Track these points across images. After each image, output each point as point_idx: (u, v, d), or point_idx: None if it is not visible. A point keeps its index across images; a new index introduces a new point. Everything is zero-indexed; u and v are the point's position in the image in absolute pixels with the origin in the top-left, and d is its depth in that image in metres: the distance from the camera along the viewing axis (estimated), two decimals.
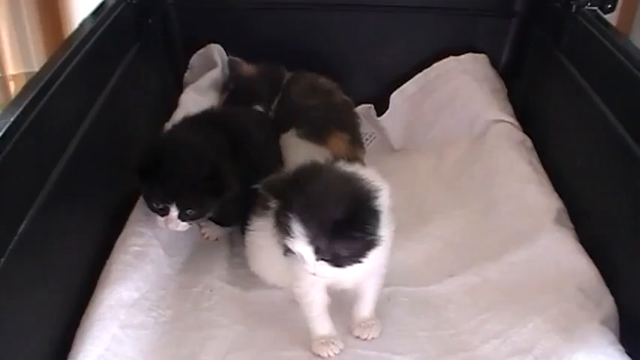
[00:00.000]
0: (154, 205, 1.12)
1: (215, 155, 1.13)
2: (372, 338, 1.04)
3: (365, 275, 1.01)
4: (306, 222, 0.89)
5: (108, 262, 1.10)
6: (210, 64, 1.59)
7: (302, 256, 0.92)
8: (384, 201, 0.94)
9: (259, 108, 1.44)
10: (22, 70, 1.77)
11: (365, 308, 1.05)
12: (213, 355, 1.01)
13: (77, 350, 0.96)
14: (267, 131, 1.34)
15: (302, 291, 1.01)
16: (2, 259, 0.82)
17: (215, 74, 1.57)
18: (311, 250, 0.90)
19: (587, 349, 0.92)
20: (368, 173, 0.97)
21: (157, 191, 1.11)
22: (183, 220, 1.12)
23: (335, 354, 1.01)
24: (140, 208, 1.22)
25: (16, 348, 0.85)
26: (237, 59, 1.51)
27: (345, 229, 0.89)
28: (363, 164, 1.28)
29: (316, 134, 1.32)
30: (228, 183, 1.11)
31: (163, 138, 1.21)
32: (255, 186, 0.96)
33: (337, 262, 0.92)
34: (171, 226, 1.12)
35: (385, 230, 0.94)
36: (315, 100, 1.38)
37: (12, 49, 1.77)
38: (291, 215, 0.89)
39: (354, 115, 1.46)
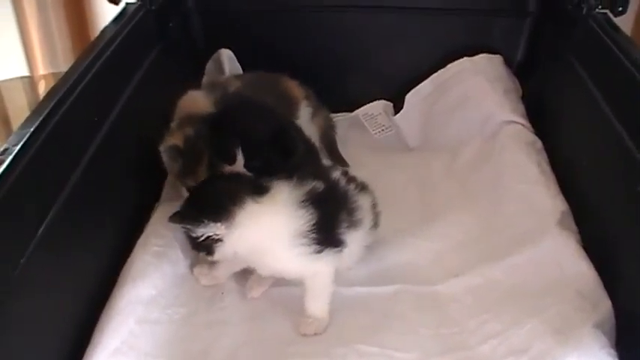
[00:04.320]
0: (222, 153, 1.18)
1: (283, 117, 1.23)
2: (304, 334, 1.08)
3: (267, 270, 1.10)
4: None
5: (129, 260, 1.16)
6: (221, 70, 1.61)
7: None
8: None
9: None
10: (50, 71, 1.84)
11: (306, 304, 1.09)
12: (224, 350, 1.06)
13: (95, 342, 1.01)
14: None
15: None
16: (23, 259, 0.88)
17: None
18: None
19: (579, 352, 0.94)
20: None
21: (226, 139, 1.17)
22: (249, 171, 1.17)
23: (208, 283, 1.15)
24: (162, 210, 1.28)
25: (36, 341, 0.92)
26: None
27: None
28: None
29: None
30: (296, 145, 1.19)
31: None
32: None
33: None
34: None
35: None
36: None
37: (41, 50, 1.84)
38: None
39: None
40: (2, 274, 0.84)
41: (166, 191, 1.34)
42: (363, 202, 1.16)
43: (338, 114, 1.64)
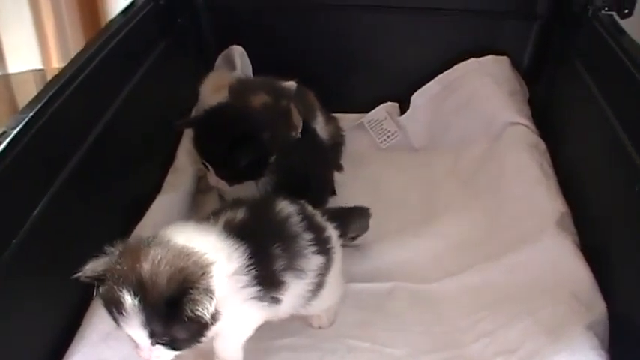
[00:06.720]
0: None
1: (256, 121, 1.18)
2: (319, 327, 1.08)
3: None
4: (139, 301, 0.79)
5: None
6: (232, 66, 1.61)
7: (135, 341, 0.83)
8: (219, 272, 0.85)
9: None
10: (63, 64, 1.87)
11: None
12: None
13: (85, 325, 1.02)
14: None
15: None
16: (16, 239, 0.89)
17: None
18: (145, 334, 0.81)
19: (568, 352, 0.94)
20: (202, 242, 0.87)
21: (197, 149, 1.20)
22: (222, 179, 1.19)
23: None
24: (161, 200, 1.26)
25: (30, 322, 0.93)
26: None
27: (178, 309, 0.79)
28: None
29: None
30: (264, 147, 1.17)
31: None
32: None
33: (175, 345, 0.83)
34: (212, 181, 1.20)
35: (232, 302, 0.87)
36: None
37: (55, 43, 1.87)
38: (122, 293, 0.79)
39: None
40: None
41: (168, 182, 1.34)
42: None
43: (345, 114, 1.62)
